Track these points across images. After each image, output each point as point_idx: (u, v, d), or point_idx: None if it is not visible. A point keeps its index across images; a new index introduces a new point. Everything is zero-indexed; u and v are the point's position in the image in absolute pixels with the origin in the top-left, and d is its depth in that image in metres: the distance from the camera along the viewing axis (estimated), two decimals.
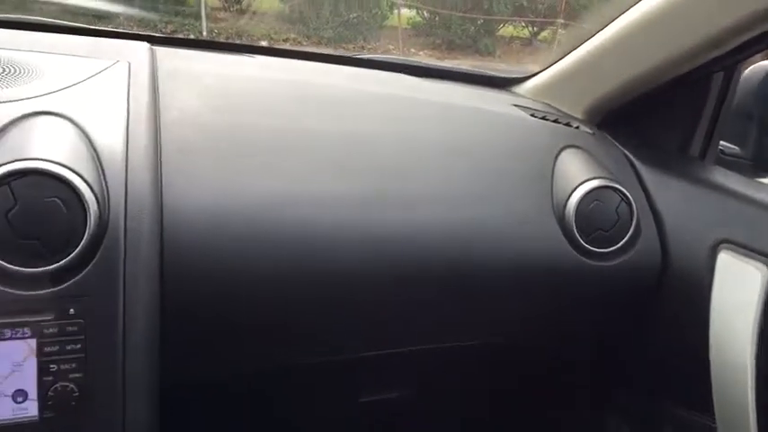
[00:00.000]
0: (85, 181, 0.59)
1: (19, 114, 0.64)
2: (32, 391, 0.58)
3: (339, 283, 0.76)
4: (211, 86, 0.84)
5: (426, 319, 0.85)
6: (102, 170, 0.62)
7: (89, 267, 0.59)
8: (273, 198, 0.73)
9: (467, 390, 1.09)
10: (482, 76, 1.23)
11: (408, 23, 8.70)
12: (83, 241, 0.58)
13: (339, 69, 1.10)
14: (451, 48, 8.35)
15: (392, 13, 8.35)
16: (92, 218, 0.58)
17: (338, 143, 0.81)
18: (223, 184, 0.72)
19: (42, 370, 0.57)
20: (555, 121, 0.99)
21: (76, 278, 0.58)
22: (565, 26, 8.37)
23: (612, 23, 0.95)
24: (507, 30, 9.13)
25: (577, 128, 0.99)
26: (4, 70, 0.71)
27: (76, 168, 0.59)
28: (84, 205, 0.58)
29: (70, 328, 0.58)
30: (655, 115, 1.02)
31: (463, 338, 0.91)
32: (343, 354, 0.88)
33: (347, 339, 0.84)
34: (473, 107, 0.98)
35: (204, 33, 6.35)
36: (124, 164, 0.64)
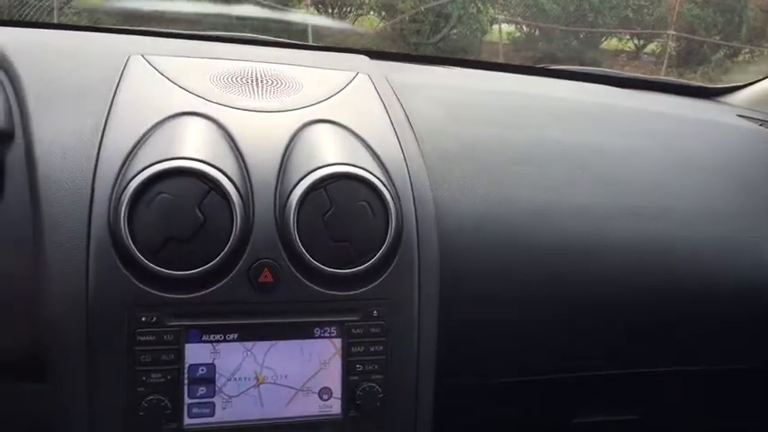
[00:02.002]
0: (385, 186, 0.60)
1: (304, 122, 0.67)
2: (337, 390, 0.59)
3: (589, 294, 0.74)
4: (443, 98, 0.84)
5: (662, 339, 0.81)
6: (390, 176, 0.64)
7: (389, 271, 0.60)
8: (535, 207, 0.72)
9: (702, 422, 1.02)
10: (681, 85, 1.18)
11: (508, 38, 8.60)
12: (385, 245, 0.59)
13: (544, 80, 1.08)
14: (553, 62, 8.17)
15: (491, 29, 8.30)
16: (393, 222, 0.59)
17: (585, 155, 0.80)
18: (486, 191, 0.71)
19: (348, 370, 0.59)
20: None
21: (378, 281, 0.59)
22: (676, 39, 7.97)
23: None
24: (611, 43, 8.83)
25: None
26: (273, 82, 0.74)
27: (377, 174, 0.61)
28: (387, 210, 0.59)
29: (374, 330, 0.59)
30: None
31: (702, 362, 0.86)
32: (568, 371, 0.85)
33: (582, 354, 0.81)
34: (703, 119, 0.93)
35: None
36: (406, 170, 0.65)
